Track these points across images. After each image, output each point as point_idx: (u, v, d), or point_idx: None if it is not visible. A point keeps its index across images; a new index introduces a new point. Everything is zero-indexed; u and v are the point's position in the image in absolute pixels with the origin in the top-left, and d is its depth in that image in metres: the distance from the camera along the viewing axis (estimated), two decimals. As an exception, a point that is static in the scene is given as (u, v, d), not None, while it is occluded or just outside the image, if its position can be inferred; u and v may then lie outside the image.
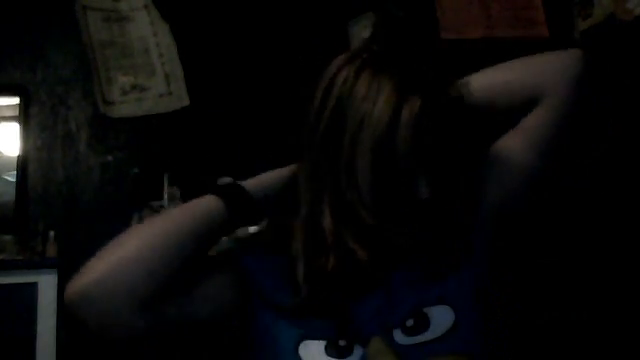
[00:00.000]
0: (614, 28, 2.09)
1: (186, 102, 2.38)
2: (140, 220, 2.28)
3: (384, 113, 0.86)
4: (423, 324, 0.88)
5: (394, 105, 0.86)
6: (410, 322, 0.88)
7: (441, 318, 0.88)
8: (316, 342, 0.89)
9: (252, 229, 1.01)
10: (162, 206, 2.31)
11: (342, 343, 0.88)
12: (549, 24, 2.38)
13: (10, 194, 2.24)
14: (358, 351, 0.88)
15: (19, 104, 2.30)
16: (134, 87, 2.37)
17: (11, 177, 2.26)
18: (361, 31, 2.40)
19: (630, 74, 2.06)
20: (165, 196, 2.32)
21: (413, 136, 0.85)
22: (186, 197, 2.33)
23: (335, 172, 0.88)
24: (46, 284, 2.14)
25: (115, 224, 2.36)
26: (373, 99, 0.87)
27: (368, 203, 0.87)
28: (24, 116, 2.30)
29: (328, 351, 0.88)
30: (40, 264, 2.15)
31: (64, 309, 2.24)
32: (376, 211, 0.87)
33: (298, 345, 0.89)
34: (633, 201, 2.06)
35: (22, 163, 2.27)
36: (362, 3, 2.43)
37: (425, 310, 0.88)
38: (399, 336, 0.88)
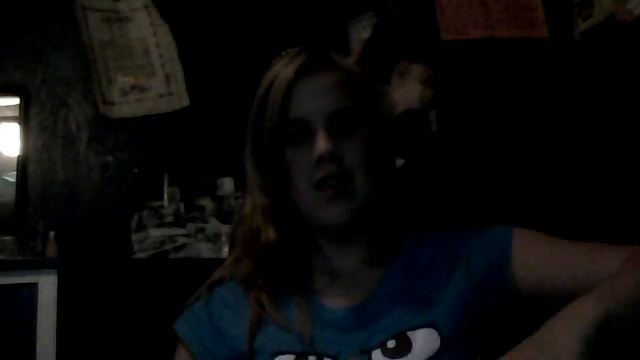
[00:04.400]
0: (614, 28, 2.09)
1: (186, 102, 2.38)
2: (140, 220, 2.28)
3: (278, 93, 0.92)
4: (405, 346, 0.85)
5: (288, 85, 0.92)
6: (392, 343, 0.86)
7: (425, 342, 0.85)
8: (286, 357, 0.87)
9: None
10: (162, 206, 2.31)
11: (312, 359, 0.86)
12: (549, 24, 2.38)
13: (10, 194, 2.24)
14: None
15: (19, 104, 2.30)
16: (134, 87, 2.37)
17: (11, 177, 2.26)
18: (361, 31, 2.40)
19: (630, 74, 2.06)
20: (165, 196, 2.32)
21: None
22: (186, 197, 2.34)
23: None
24: (46, 284, 2.14)
25: (115, 224, 2.39)
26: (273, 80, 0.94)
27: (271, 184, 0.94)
28: (24, 116, 2.30)
29: None
30: (40, 264, 2.16)
31: (64, 309, 2.24)
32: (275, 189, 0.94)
33: None
34: (634, 202, 2.06)
35: (22, 163, 2.27)
36: (362, 3, 2.43)
37: (409, 334, 0.86)
38: (378, 357, 0.85)
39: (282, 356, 0.87)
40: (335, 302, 0.92)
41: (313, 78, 0.93)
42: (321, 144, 0.88)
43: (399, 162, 2.06)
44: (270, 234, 0.92)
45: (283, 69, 0.93)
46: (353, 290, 0.93)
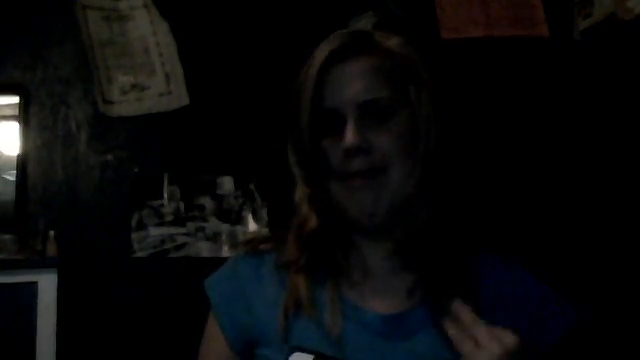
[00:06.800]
0: (614, 28, 2.09)
1: (186, 101, 2.38)
2: (140, 219, 2.28)
3: (311, 77, 0.88)
4: None
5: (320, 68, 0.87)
6: None
7: None
8: (304, 355, 0.84)
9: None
10: (162, 205, 2.31)
11: None
12: (549, 24, 2.38)
13: (10, 194, 2.23)
14: None
15: (19, 103, 2.30)
16: (134, 86, 2.37)
17: (11, 176, 2.26)
18: (361, 30, 2.40)
19: (630, 73, 2.06)
20: (165, 196, 2.32)
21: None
22: (186, 196, 2.33)
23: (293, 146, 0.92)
24: (46, 284, 2.14)
25: (115, 223, 2.39)
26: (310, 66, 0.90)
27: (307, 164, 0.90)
28: (24, 115, 2.30)
29: None
30: (40, 264, 2.15)
31: (64, 308, 2.24)
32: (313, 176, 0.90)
33: (288, 358, 0.85)
34: (634, 202, 2.06)
35: (22, 163, 2.27)
36: (362, 2, 2.43)
37: None
38: None
39: (301, 354, 0.84)
40: (367, 304, 0.88)
41: (347, 64, 0.88)
42: (348, 137, 0.85)
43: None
44: (313, 222, 0.90)
45: (317, 55, 0.89)
46: (386, 295, 0.89)
